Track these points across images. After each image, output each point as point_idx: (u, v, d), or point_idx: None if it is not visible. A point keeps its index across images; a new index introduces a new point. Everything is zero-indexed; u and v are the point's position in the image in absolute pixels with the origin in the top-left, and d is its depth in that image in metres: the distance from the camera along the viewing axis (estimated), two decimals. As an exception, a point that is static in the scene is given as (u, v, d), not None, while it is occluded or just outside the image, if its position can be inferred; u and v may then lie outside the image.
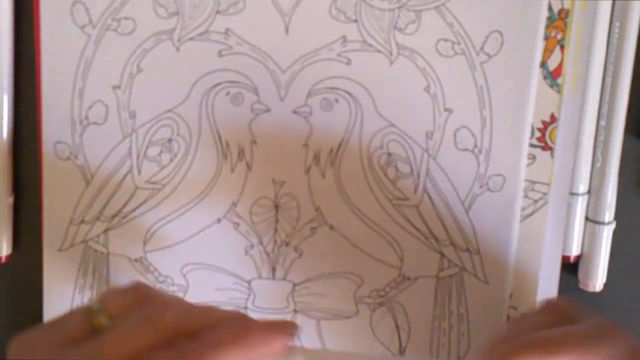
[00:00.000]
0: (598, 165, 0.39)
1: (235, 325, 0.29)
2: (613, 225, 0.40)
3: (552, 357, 0.30)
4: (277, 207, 0.39)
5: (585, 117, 0.39)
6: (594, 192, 0.40)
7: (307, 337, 0.40)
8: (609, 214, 0.40)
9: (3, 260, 0.42)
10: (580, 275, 0.41)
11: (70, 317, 0.30)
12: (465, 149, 0.38)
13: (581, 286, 0.41)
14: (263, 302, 0.40)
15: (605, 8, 0.37)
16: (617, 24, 0.38)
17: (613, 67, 0.38)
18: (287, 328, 0.30)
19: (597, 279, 0.40)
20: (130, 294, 0.30)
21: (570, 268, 0.41)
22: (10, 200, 0.41)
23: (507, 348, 0.30)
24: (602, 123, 0.39)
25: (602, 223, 0.40)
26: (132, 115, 0.39)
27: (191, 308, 0.30)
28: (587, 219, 0.40)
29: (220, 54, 0.38)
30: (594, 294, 0.41)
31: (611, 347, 0.30)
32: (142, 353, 0.27)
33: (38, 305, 0.41)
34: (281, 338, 0.29)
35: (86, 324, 0.29)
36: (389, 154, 0.38)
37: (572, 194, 0.40)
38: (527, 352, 0.30)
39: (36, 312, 0.42)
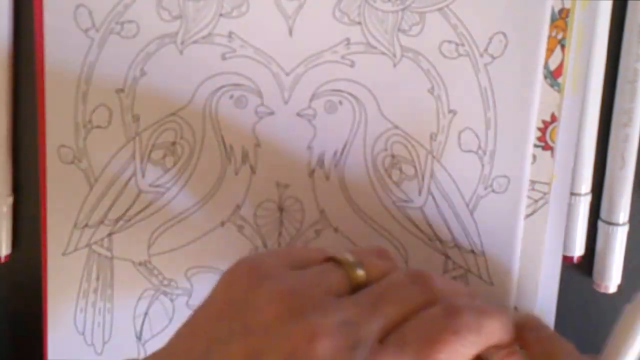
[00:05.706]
0: (612, 166, 0.40)
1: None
2: (627, 227, 0.40)
3: None
4: (281, 210, 0.39)
5: (587, 116, 0.39)
6: (608, 192, 0.40)
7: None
8: (623, 214, 0.40)
9: (2, 260, 0.41)
10: (595, 276, 0.41)
11: (329, 270, 0.29)
12: (470, 151, 0.38)
13: (595, 287, 0.41)
14: (267, 305, 0.40)
15: (606, 7, 0.38)
16: None
17: (633, 70, 0.38)
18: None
19: (612, 280, 0.41)
20: (384, 257, 0.31)
21: (574, 268, 0.41)
22: (10, 200, 0.41)
23: None
24: (621, 124, 0.39)
25: (617, 224, 0.40)
26: (136, 119, 0.39)
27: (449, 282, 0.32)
28: (601, 219, 0.40)
29: (223, 57, 0.38)
30: (607, 295, 0.41)
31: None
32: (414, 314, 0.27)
33: (38, 305, 0.41)
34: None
35: (346, 278, 0.29)
36: (393, 156, 0.38)
37: (574, 194, 0.40)
38: None
39: (36, 312, 0.41)
